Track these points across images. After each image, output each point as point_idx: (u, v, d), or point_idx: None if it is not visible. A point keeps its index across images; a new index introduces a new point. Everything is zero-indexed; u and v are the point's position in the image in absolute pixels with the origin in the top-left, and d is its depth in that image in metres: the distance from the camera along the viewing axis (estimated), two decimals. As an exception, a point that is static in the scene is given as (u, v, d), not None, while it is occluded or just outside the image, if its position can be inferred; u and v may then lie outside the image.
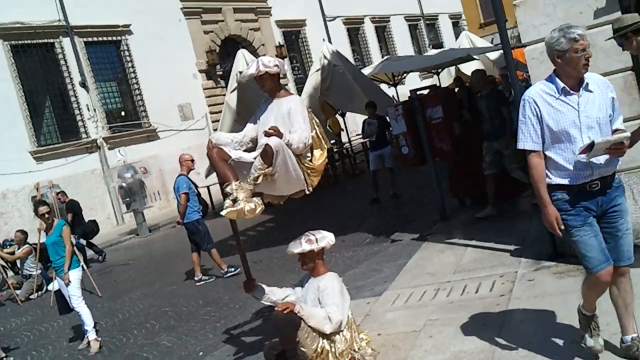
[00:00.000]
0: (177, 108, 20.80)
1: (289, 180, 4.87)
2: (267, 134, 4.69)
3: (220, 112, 19.75)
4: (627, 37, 4.91)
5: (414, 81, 24.53)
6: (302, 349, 4.66)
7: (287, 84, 23.24)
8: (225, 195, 4.65)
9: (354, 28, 29.92)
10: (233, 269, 9.25)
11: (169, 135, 20.04)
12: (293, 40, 26.58)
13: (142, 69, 19.83)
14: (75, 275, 7.42)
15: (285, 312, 4.63)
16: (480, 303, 5.53)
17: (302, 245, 4.84)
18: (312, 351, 4.66)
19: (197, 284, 9.23)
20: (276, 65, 4.99)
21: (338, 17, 28.67)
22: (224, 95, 21.17)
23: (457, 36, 34.37)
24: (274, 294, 5.10)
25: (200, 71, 21.80)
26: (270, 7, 24.98)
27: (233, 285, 8.20)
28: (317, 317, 4.68)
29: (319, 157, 5.07)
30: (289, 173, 4.79)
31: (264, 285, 5.17)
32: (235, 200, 4.58)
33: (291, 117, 4.91)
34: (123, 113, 19.83)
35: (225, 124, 13.61)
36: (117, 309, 8.89)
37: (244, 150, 5.08)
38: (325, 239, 4.94)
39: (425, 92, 9.84)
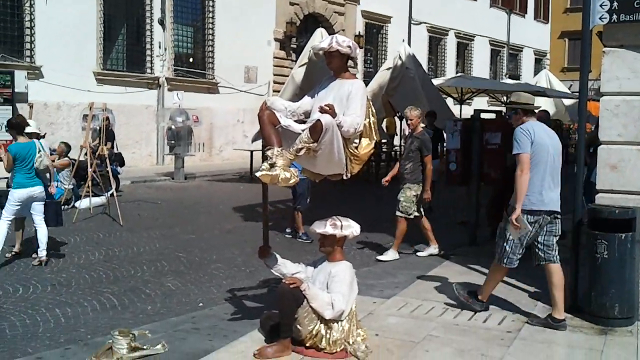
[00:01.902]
0: (244, 69, 20.95)
1: (330, 161, 4.85)
2: (321, 110, 4.68)
3: (284, 83, 19.89)
4: (516, 112, 5.77)
5: (480, 104, 24.23)
6: (298, 327, 4.67)
7: (355, 74, 23.17)
8: (265, 158, 4.67)
9: (436, 38, 29.65)
10: (306, 237, 9.31)
11: (229, 92, 20.19)
12: (373, 33, 26.47)
13: (221, 22, 20.01)
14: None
15: (291, 286, 4.63)
16: (484, 333, 5.45)
17: (326, 227, 4.83)
18: (307, 332, 4.66)
19: (298, 239, 9.40)
20: (349, 47, 4.98)
21: (424, 22, 28.43)
22: (292, 68, 21.30)
23: (536, 73, 33.88)
24: (286, 267, 5.11)
25: (276, 39, 21.90)
26: (360, -2, 24.93)
27: (250, 249, 8.23)
28: (321, 300, 4.67)
29: (366, 146, 5.04)
30: (332, 154, 4.77)
31: (278, 256, 5.18)
32: (272, 165, 4.59)
33: (349, 100, 4.89)
34: (191, 60, 20.07)
35: (285, 95, 13.61)
36: (134, 242, 9.04)
37: (295, 121, 5.09)
38: (350, 227, 4.92)
39: (490, 115, 9.70)
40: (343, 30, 23.72)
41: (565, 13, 43.91)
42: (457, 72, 28.52)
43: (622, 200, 5.97)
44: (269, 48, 21.81)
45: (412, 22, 27.75)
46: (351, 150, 4.94)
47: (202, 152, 19.44)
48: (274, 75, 21.72)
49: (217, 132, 20.14)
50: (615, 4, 5.79)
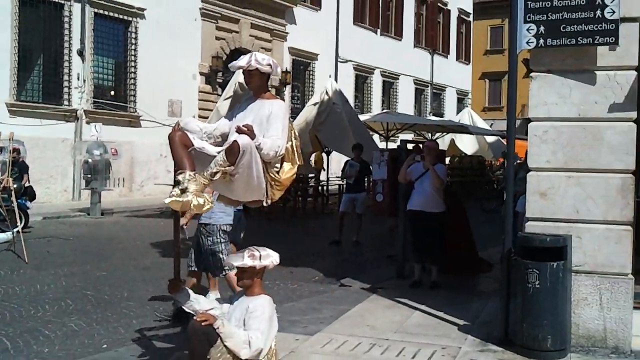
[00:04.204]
0: (168, 102, 20.40)
1: (248, 186, 4.47)
2: (239, 131, 4.32)
3: (208, 117, 19.50)
4: None
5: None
6: (211, 369, 4.21)
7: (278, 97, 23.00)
8: (176, 183, 4.25)
9: (362, 76, 29.93)
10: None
11: (151, 126, 19.53)
12: (300, 70, 26.44)
13: (144, 54, 19.45)
14: None
15: (203, 324, 4.19)
16: (414, 371, 5.14)
17: (243, 259, 4.41)
18: (221, 374, 4.21)
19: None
20: (269, 65, 4.66)
21: (350, 60, 28.66)
22: (216, 102, 20.92)
23: (458, 111, 34.67)
24: (199, 303, 4.64)
25: (201, 74, 21.50)
26: (287, 33, 24.89)
27: (166, 287, 7.65)
28: (237, 338, 4.24)
29: (288, 171, 4.70)
30: (250, 178, 4.40)
31: (190, 291, 4.72)
32: (184, 191, 4.16)
33: (270, 121, 4.55)
34: (112, 92, 19.38)
35: (209, 129, 13.24)
36: (38, 279, 8.28)
37: (212, 144, 4.71)
38: (269, 257, 4.52)
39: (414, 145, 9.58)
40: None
41: (485, 55, 45.50)
42: (382, 109, 28.79)
43: (552, 228, 5.82)
44: (194, 82, 21.37)
45: (339, 60, 27.92)
46: (272, 175, 4.58)
47: (122, 187, 18.64)
48: (199, 109, 21.23)
49: (138, 166, 19.40)
50: (542, 28, 5.71)
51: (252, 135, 4.32)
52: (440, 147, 23.71)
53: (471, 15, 39.90)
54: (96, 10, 18.34)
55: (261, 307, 4.44)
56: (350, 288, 8.23)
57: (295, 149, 4.75)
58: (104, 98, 18.86)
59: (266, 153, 4.40)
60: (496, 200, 22.30)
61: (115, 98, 19.27)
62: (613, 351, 5.61)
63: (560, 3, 5.70)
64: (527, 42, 5.80)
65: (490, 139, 26.18)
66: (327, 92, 16.63)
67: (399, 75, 32.32)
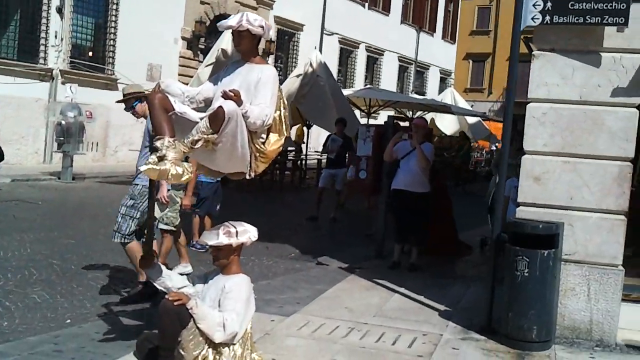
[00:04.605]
0: (147, 66, 19.81)
1: (231, 157, 4.14)
2: (224, 96, 3.97)
3: (188, 84, 18.95)
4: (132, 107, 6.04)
5: (385, 118, 24.13)
6: (182, 352, 3.91)
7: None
8: (154, 149, 3.90)
9: (347, 50, 29.48)
10: (200, 246, 8.32)
11: (128, 90, 18.98)
12: (285, 40, 25.93)
13: (126, 16, 18.78)
14: None
15: (176, 303, 3.88)
16: (394, 357, 4.89)
17: (218, 237, 4.09)
18: (192, 358, 3.90)
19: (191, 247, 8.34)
20: (261, 27, 4.32)
21: (336, 33, 28.18)
22: (198, 68, 20.38)
23: (440, 91, 34.43)
24: (171, 280, 4.32)
25: (183, 38, 20.91)
26: (274, 1, 24.32)
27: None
28: (211, 320, 3.94)
29: (274, 142, 4.37)
30: (234, 148, 4.06)
31: (163, 267, 4.40)
32: (162, 158, 3.82)
33: (258, 88, 4.21)
34: (90, 53, 18.73)
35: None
36: (2, 245, 7.79)
37: (194, 109, 4.36)
38: (246, 233, 4.20)
39: (404, 123, 9.30)
40: (253, 34, 23.00)
41: (470, 35, 45.20)
42: (365, 85, 28.42)
43: (543, 214, 5.60)
44: (176, 47, 20.78)
45: (325, 32, 27.42)
46: (257, 146, 4.25)
47: (95, 152, 18.10)
48: (179, 75, 20.65)
49: (113, 131, 18.84)
50: (549, 4, 5.41)
51: (239, 102, 3.98)
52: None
53: (459, -6, 39.51)
54: (77, -34, 17.63)
55: (238, 287, 4.15)
56: (328, 267, 7.98)
57: (283, 119, 4.42)
58: (82, 58, 18.21)
59: (253, 122, 4.08)
60: (477, 182, 22.30)
61: (93, 59, 18.63)
62: (598, 344, 5.44)
63: (568, -22, 5.40)
64: (533, 18, 5.50)
65: (471, 120, 25.98)
66: (311, 64, 16.21)
67: (383, 51, 31.92)
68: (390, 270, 7.81)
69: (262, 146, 4.29)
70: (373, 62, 31.74)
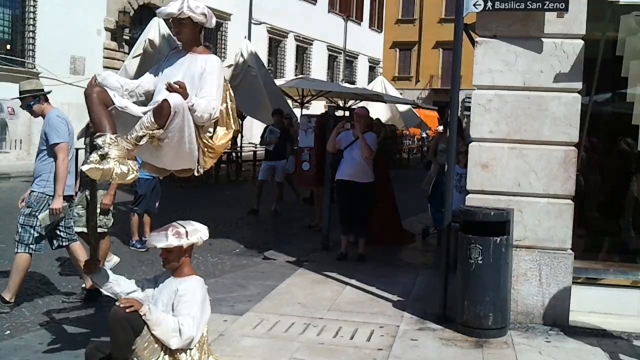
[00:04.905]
0: (70, 59, 19.02)
1: (178, 153, 3.92)
2: (169, 88, 3.75)
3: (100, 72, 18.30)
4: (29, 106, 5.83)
5: (318, 108, 24.09)
6: (136, 360, 3.69)
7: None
8: (95, 147, 3.63)
9: (276, 39, 29.21)
10: (140, 245, 8.13)
11: (51, 84, 18.09)
12: (212, 30, 25.35)
13: (45, 6, 17.95)
14: None
15: (128, 310, 3.65)
16: (354, 352, 4.79)
17: (168, 238, 3.87)
18: (148, 366, 3.69)
19: (131, 247, 8.19)
20: (203, 14, 4.10)
21: (264, 23, 27.86)
22: (124, 60, 19.68)
23: (370, 79, 34.64)
24: (119, 285, 4.08)
25: (107, 29, 20.17)
26: (199, -10, 23.76)
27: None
28: (166, 326, 3.74)
29: (222, 136, 4.18)
30: (181, 144, 3.85)
31: (109, 271, 4.14)
32: (104, 157, 3.56)
33: (203, 79, 4.00)
34: (8, 46, 17.81)
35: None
36: None
37: (134, 103, 4.11)
38: (197, 232, 4.02)
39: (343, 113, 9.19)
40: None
41: (396, 24, 45.68)
42: (295, 75, 28.25)
43: (493, 201, 5.60)
44: (99, 38, 20.03)
45: (253, 21, 27.06)
46: (205, 141, 4.05)
47: (19, 150, 17.28)
48: (104, 67, 19.88)
49: (37, 127, 17.94)
50: (491, -10, 5.39)
51: (185, 94, 3.78)
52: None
53: (385, -17, 39.77)
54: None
55: (192, 289, 3.96)
56: (275, 261, 7.83)
57: (231, 112, 4.24)
58: (0, 52, 17.31)
59: (200, 115, 3.87)
60: (411, 169, 22.53)
61: (11, 52, 17.73)
62: (551, 327, 5.50)
63: (509, -36, 5.39)
64: (475, 5, 5.47)
65: (402, 108, 26.22)
66: (242, 54, 15.89)
67: (312, 41, 31.80)
68: (339, 262, 7.72)
69: (209, 141, 4.10)
70: (302, 52, 31.59)
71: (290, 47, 30.20)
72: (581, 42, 5.47)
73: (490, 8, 5.43)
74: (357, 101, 23.19)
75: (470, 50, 5.84)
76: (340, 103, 22.96)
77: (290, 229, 10.40)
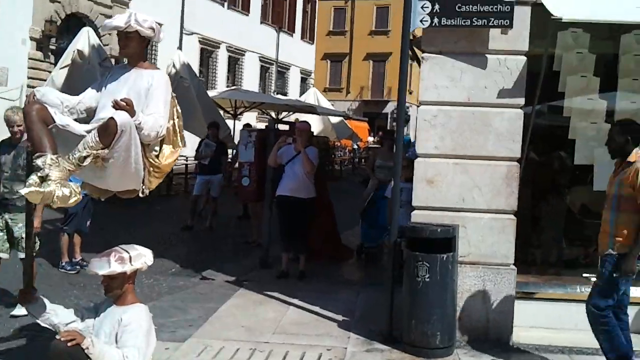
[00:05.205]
0: (-9, 69, 18.19)
1: (124, 173, 3.72)
2: (116, 105, 3.55)
3: (39, 87, 17.55)
4: None
5: (250, 119, 23.91)
6: (77, 396, 3.45)
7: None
8: (33, 168, 3.41)
9: (208, 50, 28.81)
10: (70, 267, 7.72)
11: (-29, 95, 17.31)
12: (142, 40, 24.83)
13: (-35, 14, 17.11)
14: None
15: (69, 344, 3.41)
16: (304, 378, 4.67)
17: (110, 264, 3.66)
18: (90, 402, 3.46)
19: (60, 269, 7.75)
20: (151, 28, 3.95)
21: (196, 33, 27.45)
22: (49, 71, 18.92)
23: (302, 91, 34.64)
24: (57, 315, 3.82)
25: (32, 39, 19.32)
26: (129, 0, 23.21)
27: (9, 289, 6.47)
28: (110, 358, 3.51)
29: (169, 155, 4.02)
30: (127, 164, 3.66)
31: (46, 300, 3.88)
32: (44, 179, 3.35)
33: (150, 96, 3.84)
34: None
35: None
36: None
37: (74, 120, 3.88)
38: (141, 257, 3.83)
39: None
40: (109, 34, 21.79)
41: (328, 35, 45.99)
42: (227, 86, 27.92)
43: (437, 217, 5.60)
44: (24, 47, 19.17)
45: (184, 32, 26.62)
46: (151, 160, 3.87)
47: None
48: (29, 78, 19.10)
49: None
50: (437, 6, 5.42)
51: (132, 112, 3.59)
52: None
53: (317, -6, 39.94)
54: None
55: (137, 318, 3.76)
56: (214, 281, 7.59)
57: (177, 129, 4.09)
58: None
59: (147, 134, 3.70)
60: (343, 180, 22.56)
61: None
62: (495, 344, 5.51)
63: (455, -19, 5.42)
64: (421, 21, 5.48)
65: (334, 119, 26.32)
66: (174, 65, 15.53)
67: (245, 52, 31.54)
68: (279, 280, 7.57)
69: (155, 160, 3.93)
70: (234, 62, 31.29)
71: (222, 57, 29.84)
72: (524, 58, 5.56)
73: (437, 24, 5.45)
74: (290, 113, 23.14)
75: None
76: (273, 114, 22.86)
77: (227, 245, 10.14)
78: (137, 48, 3.97)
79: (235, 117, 20.21)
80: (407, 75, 5.70)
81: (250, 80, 31.78)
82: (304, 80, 39.05)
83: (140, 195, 3.98)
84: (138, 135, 3.62)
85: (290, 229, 7.72)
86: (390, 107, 45.57)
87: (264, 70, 34.33)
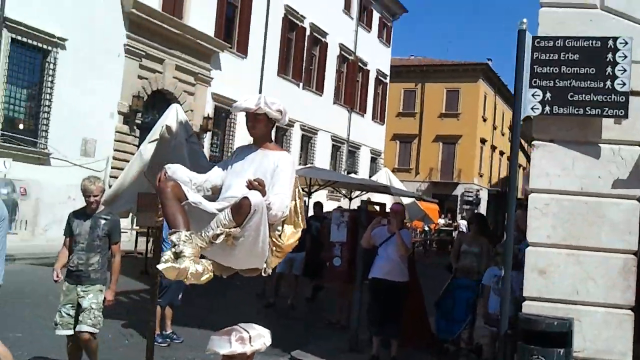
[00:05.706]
0: (82, 140, 19.00)
1: (252, 252, 3.72)
2: (250, 185, 3.59)
3: (124, 159, 18.20)
4: None
5: (320, 197, 24.07)
6: None
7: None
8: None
9: (283, 128, 29.49)
10: (161, 340, 7.79)
11: (61, 165, 18.06)
12: (222, 117, 25.69)
13: (61, 88, 18.02)
14: None
15: None
16: None
17: (231, 344, 3.59)
18: None
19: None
20: (279, 111, 4.03)
21: (272, 112, 28.20)
22: (135, 144, 19.68)
23: (371, 169, 34.84)
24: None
25: (120, 113, 20.26)
26: (211, 78, 24.15)
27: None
28: None
29: (290, 235, 4.00)
30: (256, 243, 3.66)
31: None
32: (178, 255, 3.38)
33: (276, 177, 3.86)
34: (21, 126, 17.78)
35: (130, 173, 12.15)
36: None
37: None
38: (260, 338, 3.76)
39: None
40: (192, 110, 22.68)
41: (397, 117, 46.53)
42: (299, 163, 28.36)
43: (550, 309, 5.37)
44: (112, 121, 20.08)
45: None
46: (274, 240, 3.87)
47: (25, 231, 16.93)
48: (115, 150, 19.93)
49: (43, 208, 17.75)
50: (549, 95, 5.38)
51: (264, 192, 3.61)
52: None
53: (388, 77, 40.64)
54: (14, 35, 16.87)
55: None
56: (304, 362, 7.46)
57: (299, 209, 4.07)
58: (13, 131, 17.24)
59: (274, 214, 3.71)
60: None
61: (25, 132, 17.69)
62: None
63: (568, 70, 5.40)
64: (532, 108, 5.44)
65: (406, 200, 26.19)
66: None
67: (317, 130, 32.16)
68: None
69: (279, 239, 3.93)
70: (307, 141, 31.87)
71: (296, 135, 30.49)
72: (639, 148, 5.41)
73: (548, 112, 5.40)
74: (363, 192, 23.19)
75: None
76: (344, 191, 22.95)
77: (311, 325, 10.00)
78: (264, 129, 4.05)
79: (309, 194, 20.42)
80: (517, 164, 5.59)
81: (322, 159, 32.24)
82: (373, 160, 39.33)
83: (263, 274, 3.97)
84: (267, 215, 3.63)
85: (383, 313, 7.56)
86: (460, 190, 45.35)
87: (335, 149, 34.79)
